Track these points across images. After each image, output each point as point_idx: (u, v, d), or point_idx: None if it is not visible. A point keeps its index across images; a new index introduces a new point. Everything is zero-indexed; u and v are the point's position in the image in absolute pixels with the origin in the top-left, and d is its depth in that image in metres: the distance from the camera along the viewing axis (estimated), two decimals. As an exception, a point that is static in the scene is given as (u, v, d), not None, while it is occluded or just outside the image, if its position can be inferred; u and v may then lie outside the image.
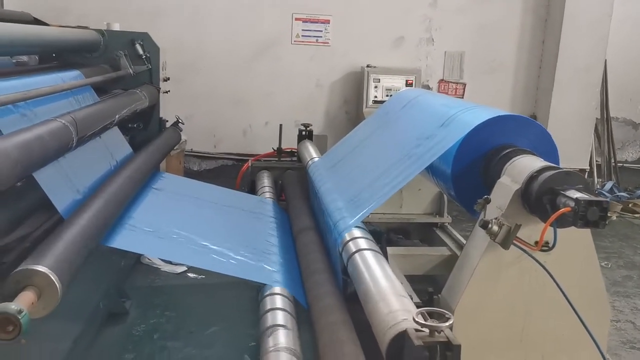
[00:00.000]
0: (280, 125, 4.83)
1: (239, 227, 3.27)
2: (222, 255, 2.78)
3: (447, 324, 1.40)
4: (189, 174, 5.57)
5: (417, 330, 1.45)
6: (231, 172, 5.67)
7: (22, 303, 1.50)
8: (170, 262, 3.70)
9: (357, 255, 2.22)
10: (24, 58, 3.83)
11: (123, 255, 3.19)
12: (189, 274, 3.64)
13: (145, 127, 4.21)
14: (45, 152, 2.04)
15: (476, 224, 2.18)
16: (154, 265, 3.72)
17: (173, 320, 3.07)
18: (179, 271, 3.66)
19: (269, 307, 2.28)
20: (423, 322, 1.41)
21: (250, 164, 4.69)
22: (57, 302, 1.64)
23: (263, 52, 5.83)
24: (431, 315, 1.49)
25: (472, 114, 2.60)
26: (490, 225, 2.01)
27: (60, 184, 2.39)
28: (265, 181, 4.28)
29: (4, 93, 2.19)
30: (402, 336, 1.50)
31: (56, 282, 1.63)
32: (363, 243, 2.29)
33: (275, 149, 4.85)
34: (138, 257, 3.66)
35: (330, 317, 2.10)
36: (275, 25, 5.79)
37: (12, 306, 1.43)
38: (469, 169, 2.50)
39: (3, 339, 1.41)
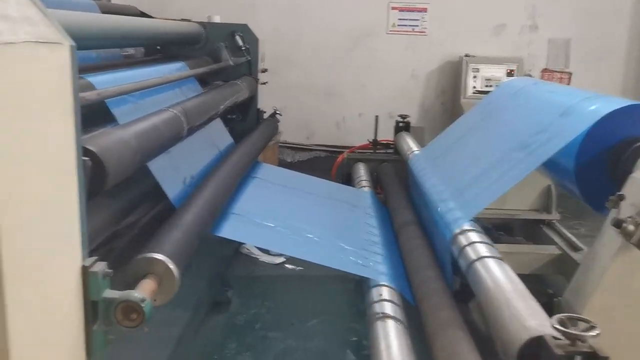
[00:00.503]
0: (377, 116, 4.74)
1: (339, 218, 3.22)
2: (325, 247, 2.74)
3: (593, 333, 1.27)
4: (283, 165, 5.59)
5: (554, 337, 1.33)
6: (324, 163, 5.65)
7: (144, 291, 1.51)
8: (268, 253, 3.73)
9: (471, 253, 2.10)
10: (131, 50, 3.95)
11: (225, 244, 3.23)
12: (286, 265, 3.64)
13: (243, 118, 4.24)
14: (161, 141, 2.07)
15: (606, 223, 2.00)
16: (253, 255, 3.75)
17: (273, 311, 3.07)
18: (277, 262, 3.67)
19: (377, 307, 2.20)
20: (564, 329, 1.29)
21: (345, 156, 4.64)
22: (176, 291, 1.64)
23: (358, 42, 5.76)
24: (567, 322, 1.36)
25: (596, 103, 2.40)
26: (624, 225, 1.83)
27: (170, 172, 2.43)
28: (362, 173, 4.21)
29: (118, 84, 2.24)
30: (536, 343, 1.38)
31: (174, 271, 1.64)
32: (477, 240, 2.17)
33: (371, 140, 4.78)
34: (238, 246, 3.70)
35: (442, 316, 2.00)
36: (371, 15, 5.70)
37: (135, 294, 1.43)
38: (594, 163, 2.31)
39: (127, 326, 1.42)
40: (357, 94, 5.83)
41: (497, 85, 5.09)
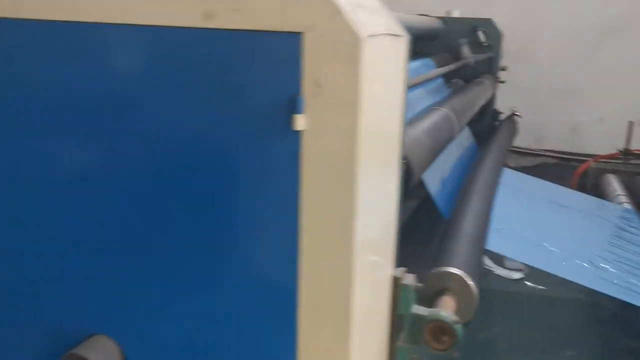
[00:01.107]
0: (631, 122, 4.17)
1: (603, 236, 2.83)
2: (594, 270, 2.40)
3: None
4: (506, 170, 5.23)
5: None
6: (554, 171, 5.14)
7: (447, 310, 1.36)
8: (504, 266, 3.44)
9: None
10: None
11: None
12: (526, 282, 3.32)
13: (480, 119, 3.98)
14: (442, 141, 1.93)
15: None
16: (486, 267, 3.49)
17: (518, 333, 2.79)
18: (515, 277, 3.37)
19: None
20: None
21: (590, 165, 4.17)
22: (473, 311, 1.48)
23: (605, 38, 5.14)
24: None
25: None
26: None
27: (431, 175, 2.29)
28: (616, 186, 3.72)
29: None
30: None
31: (473, 289, 1.47)
32: None
33: (621, 149, 4.23)
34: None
35: None
36: (625, 6, 5.04)
37: (445, 314, 1.29)
38: None
39: (436, 348, 1.29)
40: (600, 96, 5.21)
41: None
